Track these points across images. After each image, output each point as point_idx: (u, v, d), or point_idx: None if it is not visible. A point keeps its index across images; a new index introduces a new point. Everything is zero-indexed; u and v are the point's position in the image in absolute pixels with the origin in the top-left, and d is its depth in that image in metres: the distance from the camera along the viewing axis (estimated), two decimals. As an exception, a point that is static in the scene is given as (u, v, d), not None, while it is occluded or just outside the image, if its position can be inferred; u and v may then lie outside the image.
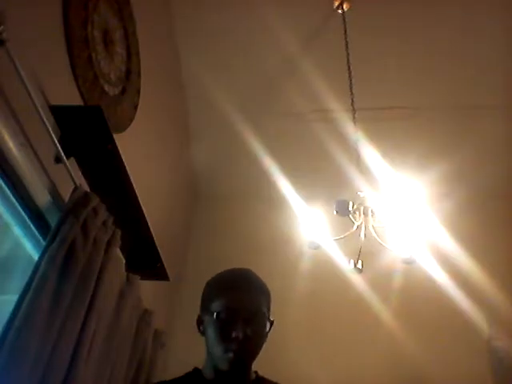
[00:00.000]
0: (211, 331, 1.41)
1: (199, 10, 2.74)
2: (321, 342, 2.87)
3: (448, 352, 2.84)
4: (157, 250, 1.96)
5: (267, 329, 1.43)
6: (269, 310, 1.46)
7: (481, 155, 3.27)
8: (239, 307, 1.39)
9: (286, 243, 2.99)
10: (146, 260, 1.97)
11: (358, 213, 2.33)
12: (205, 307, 1.47)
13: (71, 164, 1.53)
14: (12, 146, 1.30)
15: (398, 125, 3.14)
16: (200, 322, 1.49)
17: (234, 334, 1.35)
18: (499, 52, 2.81)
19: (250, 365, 1.44)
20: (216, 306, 1.41)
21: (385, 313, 2.97)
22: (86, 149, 1.61)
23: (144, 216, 1.84)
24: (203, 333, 1.47)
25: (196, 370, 1.48)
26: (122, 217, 1.68)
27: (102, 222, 1.51)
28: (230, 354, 1.35)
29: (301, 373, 2.59)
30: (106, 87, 1.90)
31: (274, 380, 1.51)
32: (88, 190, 1.58)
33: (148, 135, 2.50)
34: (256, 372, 1.49)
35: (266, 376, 1.51)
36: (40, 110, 1.34)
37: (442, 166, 3.00)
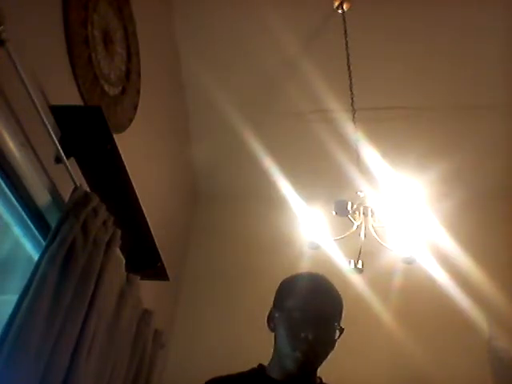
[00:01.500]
0: (282, 328, 1.41)
1: (199, 10, 2.74)
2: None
3: (448, 352, 2.84)
4: (157, 250, 1.96)
5: (336, 336, 1.43)
6: (340, 317, 1.47)
7: (481, 155, 3.27)
8: (314, 310, 1.40)
9: (286, 243, 2.99)
10: (145, 260, 1.97)
11: (357, 213, 2.33)
12: (279, 304, 1.47)
13: (71, 164, 1.53)
14: (12, 146, 1.30)
15: (397, 125, 3.14)
16: (271, 319, 1.48)
17: (303, 334, 1.35)
18: (499, 52, 2.81)
19: (316, 368, 1.43)
20: (290, 304, 1.42)
21: (385, 313, 2.97)
22: (85, 149, 1.61)
23: (144, 216, 1.84)
24: (273, 329, 1.46)
25: (261, 367, 1.47)
26: (122, 217, 1.68)
27: (102, 222, 1.51)
28: (298, 354, 1.35)
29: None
30: (106, 87, 1.90)
31: None
32: (88, 189, 1.58)
33: (148, 135, 2.50)
34: (320, 378, 1.48)
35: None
36: (40, 109, 1.34)
37: (441, 165, 2.99)
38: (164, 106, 2.84)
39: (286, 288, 1.50)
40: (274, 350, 1.45)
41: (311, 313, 1.39)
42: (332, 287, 1.51)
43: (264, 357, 1.49)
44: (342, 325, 1.45)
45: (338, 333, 1.43)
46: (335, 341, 1.43)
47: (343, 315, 1.49)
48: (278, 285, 1.53)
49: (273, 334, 1.46)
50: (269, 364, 1.46)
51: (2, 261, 1.61)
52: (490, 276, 2.97)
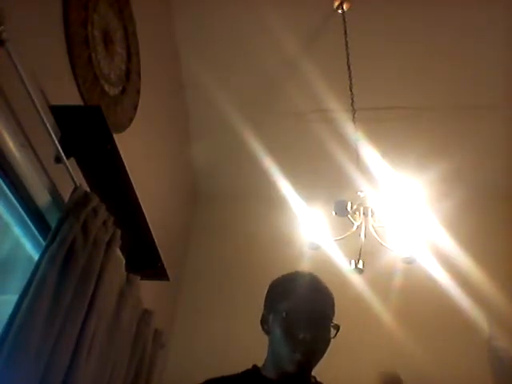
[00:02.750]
0: (278, 331, 1.40)
1: (199, 10, 2.74)
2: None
3: (448, 352, 2.84)
4: (157, 250, 1.96)
5: (333, 334, 1.43)
6: (333, 314, 1.47)
7: (481, 155, 3.27)
8: (309, 310, 1.40)
9: (286, 244, 2.99)
10: (146, 260, 1.97)
11: (357, 213, 2.32)
12: (272, 307, 1.47)
13: (71, 164, 1.53)
14: (12, 147, 1.30)
15: (397, 125, 3.14)
16: (264, 321, 1.48)
17: (301, 335, 1.35)
18: (499, 52, 2.81)
19: (313, 368, 1.43)
20: (285, 305, 1.41)
21: (385, 312, 2.97)
22: (85, 149, 1.61)
23: (144, 216, 1.84)
24: (268, 331, 1.46)
25: (255, 368, 1.47)
26: (122, 217, 1.68)
27: (102, 222, 1.51)
28: (298, 355, 1.35)
29: (301, 373, 2.59)
30: (106, 87, 1.90)
31: None
32: (88, 190, 1.58)
33: (148, 135, 2.50)
34: (314, 377, 1.48)
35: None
36: (40, 110, 1.34)
37: (441, 165, 2.99)
38: (164, 105, 2.84)
39: (277, 289, 1.49)
40: (269, 352, 1.44)
41: (307, 313, 1.39)
42: (324, 285, 1.50)
43: (263, 356, 1.49)
44: (335, 322, 1.45)
45: (333, 330, 1.43)
46: (330, 339, 1.43)
47: (337, 313, 1.49)
48: (268, 287, 1.52)
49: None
50: (263, 365, 1.45)
51: (2, 261, 1.61)
52: (489, 276, 2.97)
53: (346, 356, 2.87)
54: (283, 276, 1.53)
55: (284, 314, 1.40)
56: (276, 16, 2.66)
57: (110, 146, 1.59)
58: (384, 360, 2.86)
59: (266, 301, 1.50)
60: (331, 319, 1.44)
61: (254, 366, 1.47)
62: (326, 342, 1.41)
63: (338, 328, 1.44)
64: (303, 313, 1.39)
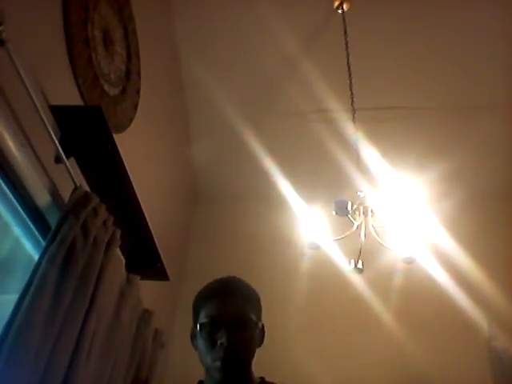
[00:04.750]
0: (201, 343, 1.41)
1: (199, 10, 2.74)
2: (321, 342, 2.87)
3: (448, 352, 2.84)
4: (157, 250, 1.96)
5: (256, 332, 1.42)
6: (257, 314, 1.46)
7: (481, 155, 3.27)
8: (220, 314, 1.40)
9: (286, 244, 2.99)
10: (146, 260, 1.97)
11: (357, 213, 2.33)
12: (195, 320, 1.48)
13: (71, 164, 1.53)
14: (12, 147, 1.30)
15: (397, 125, 3.14)
16: (193, 337, 1.49)
17: (219, 342, 1.35)
18: (499, 52, 2.81)
19: (245, 370, 1.42)
20: (201, 317, 1.43)
21: (385, 313, 2.97)
22: (85, 149, 1.61)
23: (144, 216, 1.84)
24: (196, 347, 1.46)
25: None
26: (122, 217, 1.68)
27: (102, 221, 1.51)
28: (218, 363, 1.35)
29: (301, 373, 2.59)
30: (106, 87, 1.90)
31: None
32: (88, 190, 1.58)
33: (148, 135, 2.50)
34: (262, 378, 1.47)
35: (269, 379, 1.49)
36: (40, 109, 1.34)
37: (441, 165, 3.00)
38: (164, 105, 2.84)
39: (196, 302, 1.50)
40: (203, 367, 1.44)
41: (219, 318, 1.39)
42: (239, 286, 1.49)
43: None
44: (262, 320, 1.46)
45: (257, 328, 1.43)
46: (256, 337, 1.43)
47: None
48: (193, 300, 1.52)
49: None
50: (204, 380, 1.46)
51: (2, 261, 1.61)
52: (489, 276, 2.97)
53: (347, 356, 2.87)
54: (204, 286, 1.54)
55: (200, 325, 1.41)
56: (276, 16, 2.66)
57: (110, 146, 1.59)
58: (384, 360, 2.86)
59: (192, 315, 1.50)
60: (252, 319, 1.43)
61: (199, 382, 1.48)
62: (250, 342, 1.41)
63: (262, 326, 1.45)
64: (216, 319, 1.39)
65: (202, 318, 1.42)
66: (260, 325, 1.46)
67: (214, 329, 1.38)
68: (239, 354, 1.38)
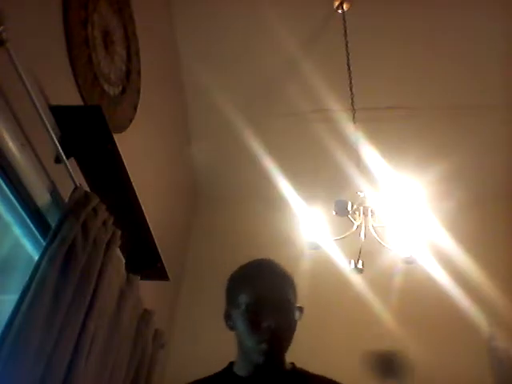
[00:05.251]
0: (241, 324, 1.37)
1: (199, 10, 2.74)
2: (321, 342, 2.87)
3: (448, 352, 2.84)
4: (157, 250, 1.96)
5: (296, 316, 1.40)
6: (295, 296, 1.44)
7: (481, 155, 3.27)
8: (267, 296, 1.36)
9: (286, 244, 2.99)
10: (146, 260, 1.97)
11: (357, 213, 2.33)
12: (231, 301, 1.43)
13: (71, 164, 1.53)
14: (12, 146, 1.30)
15: (397, 125, 3.14)
16: (227, 317, 1.45)
17: (265, 324, 1.31)
18: (498, 52, 2.81)
19: (284, 355, 1.40)
20: (243, 297, 1.38)
21: (385, 313, 2.97)
22: (85, 149, 1.61)
23: (144, 216, 1.84)
24: (232, 328, 1.42)
25: (229, 365, 1.44)
26: (122, 217, 1.68)
27: (102, 222, 1.51)
28: (264, 345, 1.31)
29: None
30: (106, 87, 1.90)
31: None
32: (88, 190, 1.58)
33: (148, 135, 2.50)
34: (293, 363, 1.44)
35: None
36: (40, 110, 1.34)
37: (441, 166, 2.99)
38: (164, 105, 2.84)
39: (235, 283, 1.47)
40: (238, 349, 1.41)
41: (267, 301, 1.35)
42: (280, 269, 1.48)
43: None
44: (298, 303, 1.43)
45: (297, 313, 1.41)
46: (296, 322, 1.40)
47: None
48: (227, 281, 1.49)
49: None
50: (235, 362, 1.43)
51: (2, 261, 1.61)
52: (489, 276, 2.97)
53: (347, 356, 2.87)
54: (240, 267, 1.50)
55: (244, 306, 1.37)
56: (276, 16, 2.66)
57: (110, 146, 1.59)
58: (384, 360, 2.86)
59: (226, 296, 1.47)
60: (293, 302, 1.41)
61: (230, 364, 1.45)
62: (292, 327, 1.39)
63: (301, 310, 1.42)
64: (263, 301, 1.35)
65: (246, 299, 1.37)
66: (298, 308, 1.43)
67: (259, 310, 1.34)
68: (284, 337, 1.36)
